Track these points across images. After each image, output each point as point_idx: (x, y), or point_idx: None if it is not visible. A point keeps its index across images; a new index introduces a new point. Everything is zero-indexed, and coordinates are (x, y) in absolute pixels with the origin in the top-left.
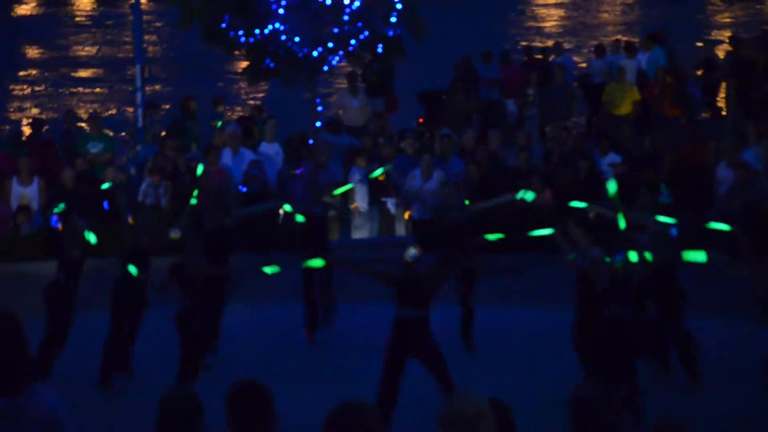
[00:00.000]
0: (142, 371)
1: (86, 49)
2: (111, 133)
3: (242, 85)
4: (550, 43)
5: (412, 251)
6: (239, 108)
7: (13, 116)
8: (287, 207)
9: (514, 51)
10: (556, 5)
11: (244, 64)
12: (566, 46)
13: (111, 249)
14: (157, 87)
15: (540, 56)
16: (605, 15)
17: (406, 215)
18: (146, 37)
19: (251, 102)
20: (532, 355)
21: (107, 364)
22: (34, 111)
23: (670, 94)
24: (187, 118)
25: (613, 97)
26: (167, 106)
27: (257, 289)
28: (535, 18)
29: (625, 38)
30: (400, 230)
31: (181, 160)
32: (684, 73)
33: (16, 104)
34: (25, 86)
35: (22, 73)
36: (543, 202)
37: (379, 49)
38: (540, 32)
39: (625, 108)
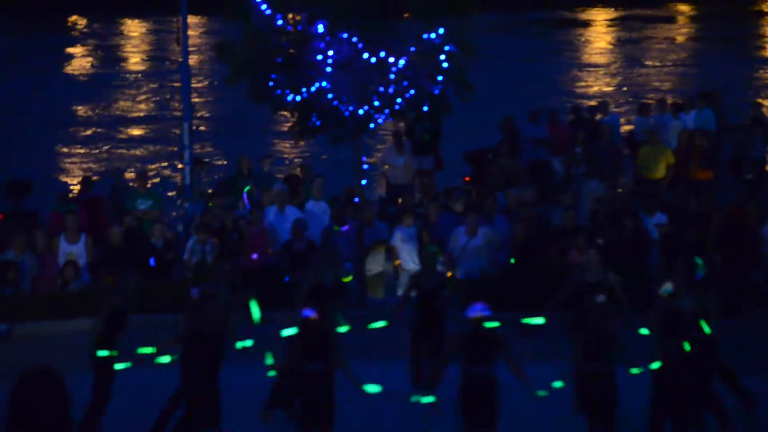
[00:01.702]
0: None
1: (135, 107)
2: (159, 190)
3: (288, 143)
4: (595, 102)
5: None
6: (284, 166)
7: (62, 175)
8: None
9: (561, 110)
10: (605, 65)
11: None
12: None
13: (157, 304)
14: (205, 146)
15: (587, 115)
16: (653, 74)
17: (449, 275)
18: (194, 96)
19: (297, 160)
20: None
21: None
22: (83, 168)
23: (698, 158)
24: (241, 176)
25: (647, 160)
26: (219, 162)
27: None
28: (581, 78)
29: (671, 99)
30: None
31: (228, 218)
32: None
33: (64, 162)
34: (75, 144)
35: (71, 130)
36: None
37: (425, 108)
38: (587, 92)
39: (659, 172)
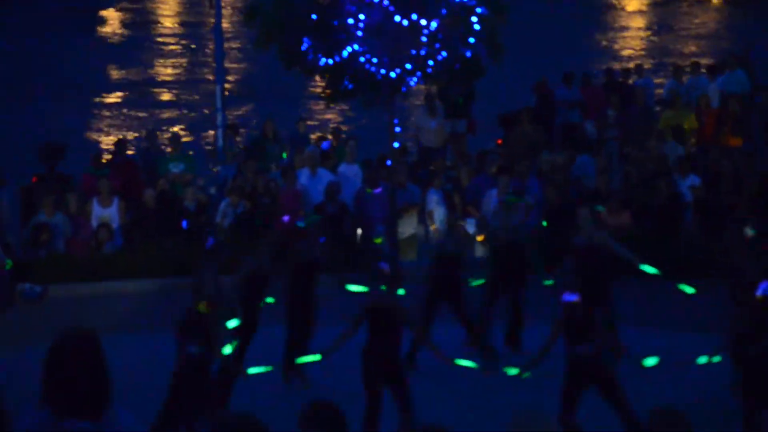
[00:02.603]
0: None
1: (168, 70)
2: (192, 153)
3: (321, 105)
4: (631, 65)
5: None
6: (317, 130)
7: (96, 137)
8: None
9: (594, 73)
10: (641, 28)
11: (322, 85)
12: (647, 67)
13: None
14: (238, 109)
15: (621, 79)
16: (689, 36)
17: (480, 238)
18: (227, 60)
19: (331, 123)
20: None
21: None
22: (117, 132)
23: (730, 123)
24: (267, 139)
25: (669, 125)
26: (244, 130)
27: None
28: (616, 40)
29: (705, 61)
30: (479, 251)
31: (260, 181)
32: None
33: (98, 125)
34: (107, 108)
35: (104, 95)
36: (622, 224)
37: (457, 67)
38: (621, 55)
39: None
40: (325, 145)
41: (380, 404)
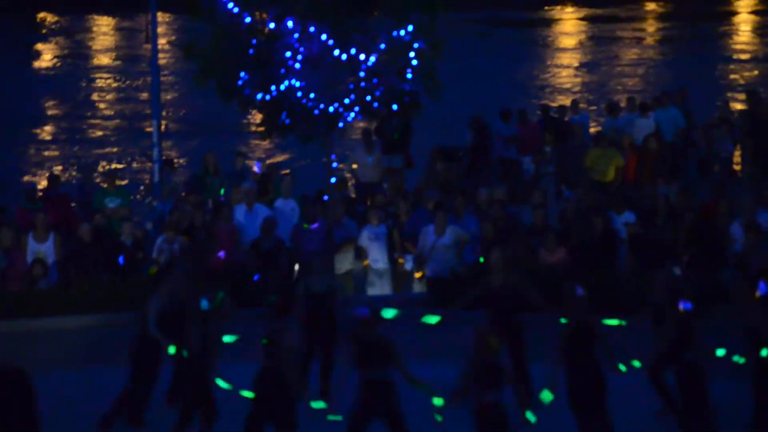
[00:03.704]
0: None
1: (104, 104)
2: (126, 187)
3: (259, 140)
4: (567, 101)
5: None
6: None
7: (30, 172)
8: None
9: (531, 109)
10: (575, 67)
11: (258, 120)
12: (582, 105)
13: (125, 304)
14: (176, 143)
15: (556, 114)
16: (623, 74)
17: (418, 274)
18: (163, 94)
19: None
20: None
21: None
22: (51, 166)
23: (650, 162)
24: (207, 173)
25: (596, 163)
26: (182, 161)
27: None
28: (552, 77)
29: (640, 98)
30: (416, 287)
31: (197, 216)
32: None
33: (32, 159)
34: (42, 142)
35: (39, 128)
36: (558, 261)
37: (395, 106)
38: (557, 91)
39: (609, 174)
40: (257, 165)
41: None
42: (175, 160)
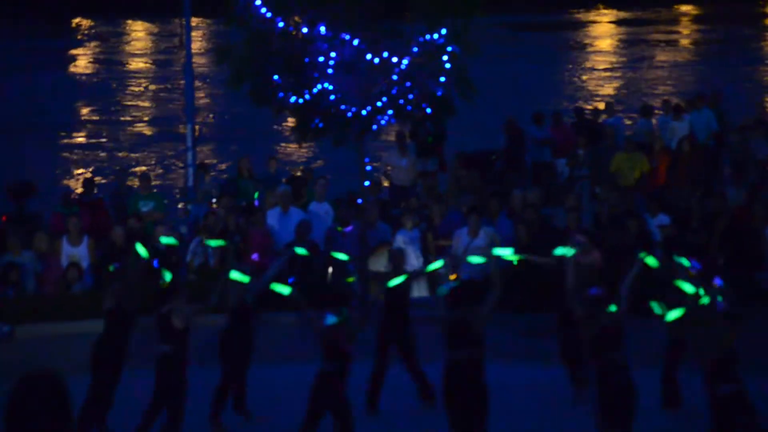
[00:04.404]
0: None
1: (138, 108)
2: (160, 191)
3: (293, 144)
4: (601, 104)
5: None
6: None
7: (65, 176)
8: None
9: (564, 112)
10: (609, 69)
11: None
12: (618, 107)
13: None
14: (209, 148)
15: (590, 117)
16: (657, 77)
17: (452, 276)
18: (197, 98)
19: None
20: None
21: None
22: (86, 170)
23: (683, 166)
24: (241, 177)
25: (620, 167)
26: (220, 166)
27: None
28: (586, 80)
29: (675, 100)
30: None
31: (231, 220)
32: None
33: (68, 164)
34: (78, 146)
35: (74, 133)
36: (592, 263)
37: (428, 109)
38: (591, 94)
39: (632, 179)
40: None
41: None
42: (209, 164)
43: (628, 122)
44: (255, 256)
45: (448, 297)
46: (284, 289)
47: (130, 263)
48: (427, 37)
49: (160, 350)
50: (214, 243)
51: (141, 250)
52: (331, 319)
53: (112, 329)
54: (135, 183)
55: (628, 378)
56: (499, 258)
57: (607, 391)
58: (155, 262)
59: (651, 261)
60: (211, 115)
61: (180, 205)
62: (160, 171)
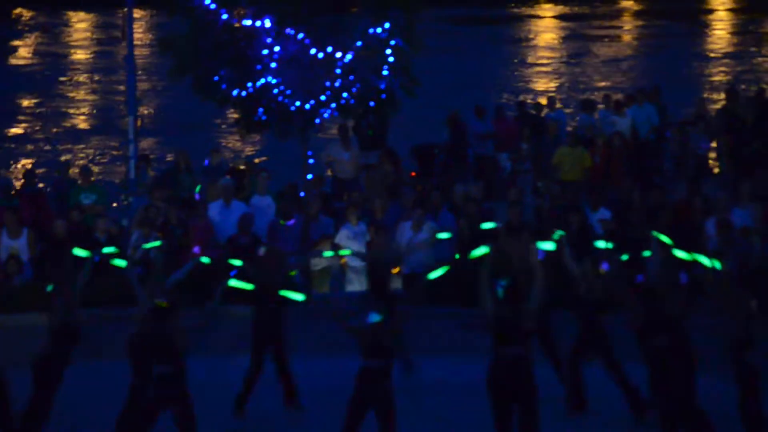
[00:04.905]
0: None
1: (80, 100)
2: (101, 184)
3: (235, 137)
4: (542, 98)
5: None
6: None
7: (5, 168)
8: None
9: (506, 106)
10: (551, 64)
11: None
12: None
13: (99, 301)
14: (151, 140)
15: (533, 111)
16: (598, 72)
17: (395, 270)
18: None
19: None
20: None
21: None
22: (26, 162)
23: (616, 162)
24: (179, 170)
25: (562, 162)
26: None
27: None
28: (529, 73)
29: (616, 95)
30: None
31: (172, 213)
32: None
33: (8, 156)
34: (18, 138)
35: (15, 125)
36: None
37: (372, 103)
38: (533, 88)
39: (574, 174)
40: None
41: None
42: (151, 157)
43: (570, 116)
44: (196, 249)
45: (499, 294)
46: (298, 296)
47: (69, 272)
48: (371, 31)
49: (161, 370)
50: (149, 245)
51: (79, 252)
52: (374, 317)
53: (57, 349)
54: (77, 175)
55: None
56: (539, 251)
57: None
58: (96, 257)
59: (665, 239)
60: (156, 108)
61: (123, 201)
62: (102, 163)
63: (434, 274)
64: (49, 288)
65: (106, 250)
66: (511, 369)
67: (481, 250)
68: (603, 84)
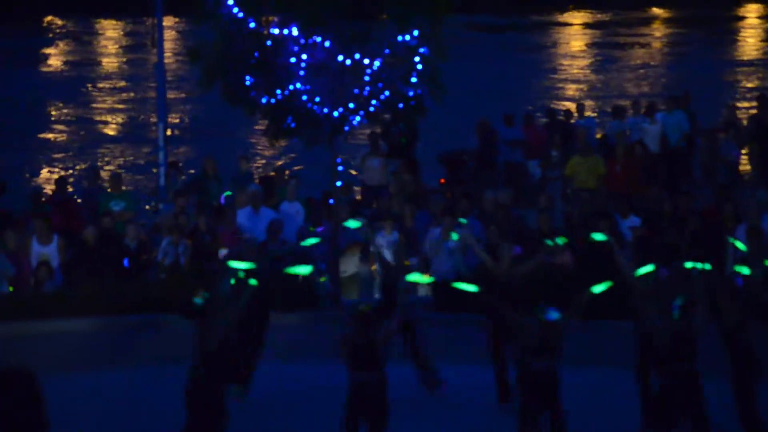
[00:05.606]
0: None
1: (110, 108)
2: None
3: (265, 144)
4: (572, 105)
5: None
6: (259, 164)
7: (37, 176)
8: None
9: (536, 113)
10: (581, 71)
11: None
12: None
13: (130, 307)
14: (181, 148)
15: (562, 118)
16: (629, 79)
17: (425, 276)
18: (170, 98)
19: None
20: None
21: None
22: (58, 170)
23: (634, 171)
24: (207, 177)
25: (576, 172)
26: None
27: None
28: (558, 81)
29: (647, 101)
30: (422, 291)
31: (201, 219)
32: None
33: (39, 163)
34: (49, 145)
35: (46, 132)
36: (563, 264)
37: (400, 105)
38: (563, 95)
39: (590, 182)
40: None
41: None
42: (181, 164)
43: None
44: (224, 254)
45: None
46: (304, 269)
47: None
48: (399, 38)
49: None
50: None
51: (239, 264)
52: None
53: (214, 370)
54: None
55: None
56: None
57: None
58: (125, 262)
59: (740, 245)
60: (186, 115)
61: (147, 207)
62: (132, 171)
63: (598, 288)
64: (199, 301)
65: (244, 266)
66: (542, 381)
67: (647, 268)
68: (633, 91)
